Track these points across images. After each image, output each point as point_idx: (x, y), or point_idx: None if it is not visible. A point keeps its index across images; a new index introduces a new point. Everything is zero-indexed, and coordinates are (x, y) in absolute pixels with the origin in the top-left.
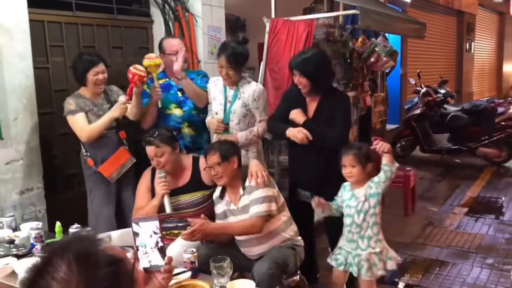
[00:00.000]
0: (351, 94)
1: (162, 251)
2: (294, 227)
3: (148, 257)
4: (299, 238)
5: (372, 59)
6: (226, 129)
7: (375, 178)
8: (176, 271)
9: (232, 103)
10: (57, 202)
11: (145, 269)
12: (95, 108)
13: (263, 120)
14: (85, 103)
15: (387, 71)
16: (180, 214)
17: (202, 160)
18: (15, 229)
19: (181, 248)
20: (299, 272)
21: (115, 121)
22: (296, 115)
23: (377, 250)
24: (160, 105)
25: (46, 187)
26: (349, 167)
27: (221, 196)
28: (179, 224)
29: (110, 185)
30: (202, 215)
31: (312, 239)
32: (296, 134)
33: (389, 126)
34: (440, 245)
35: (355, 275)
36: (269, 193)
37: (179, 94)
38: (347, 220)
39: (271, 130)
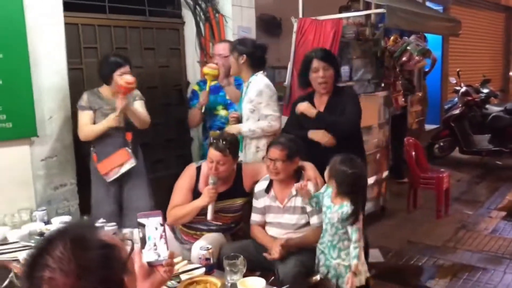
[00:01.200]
0: (382, 93)
1: (166, 244)
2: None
3: (153, 250)
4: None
5: (404, 58)
6: (239, 120)
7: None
8: (190, 267)
9: (242, 99)
10: (90, 198)
11: (149, 263)
12: (107, 107)
13: (271, 115)
14: (97, 102)
15: (426, 69)
16: (216, 219)
17: (245, 167)
18: (47, 222)
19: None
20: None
21: (122, 122)
22: (305, 107)
23: (345, 264)
24: (203, 110)
25: (79, 183)
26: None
27: (267, 190)
28: (212, 227)
29: (111, 184)
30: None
31: None
32: (322, 136)
33: (429, 127)
34: (472, 249)
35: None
36: None
37: (227, 96)
38: (323, 225)
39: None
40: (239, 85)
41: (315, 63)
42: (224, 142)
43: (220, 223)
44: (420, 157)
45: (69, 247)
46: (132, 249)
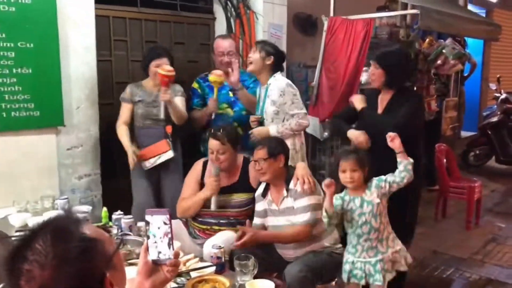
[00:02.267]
0: None
1: (170, 243)
2: (335, 235)
3: (157, 248)
4: (339, 246)
5: (439, 62)
6: (261, 122)
7: (388, 177)
8: (200, 264)
9: (264, 102)
10: (113, 188)
11: (153, 261)
12: (149, 99)
13: (297, 114)
14: (139, 94)
15: (466, 74)
16: (223, 213)
17: (252, 163)
18: None
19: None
20: (336, 279)
21: (162, 115)
22: (356, 99)
23: (397, 247)
24: (213, 117)
25: (104, 173)
26: (349, 172)
27: (264, 194)
28: (221, 221)
29: (151, 175)
30: (247, 221)
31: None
32: (358, 136)
33: (465, 133)
34: (500, 264)
35: (379, 283)
36: (315, 200)
37: (231, 94)
38: (363, 229)
39: (332, 127)
40: (246, 88)
41: (371, 63)
42: (222, 131)
43: (231, 218)
44: (452, 164)
45: (49, 239)
46: (120, 244)
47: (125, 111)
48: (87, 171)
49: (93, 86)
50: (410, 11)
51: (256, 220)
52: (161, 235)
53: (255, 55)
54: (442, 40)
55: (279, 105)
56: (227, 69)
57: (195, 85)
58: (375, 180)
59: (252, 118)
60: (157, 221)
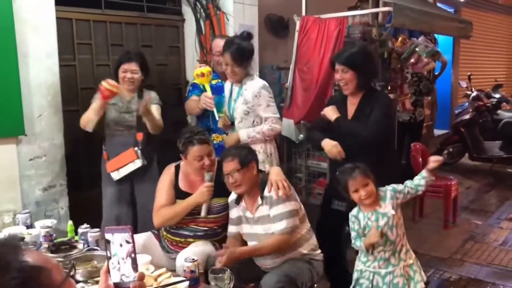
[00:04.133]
0: None
1: (134, 263)
2: (313, 241)
3: (120, 270)
4: (318, 252)
5: (412, 60)
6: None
7: (406, 188)
8: (173, 279)
9: (235, 101)
10: (81, 200)
11: (115, 284)
12: (120, 104)
13: (270, 117)
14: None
15: (436, 73)
16: (203, 220)
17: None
18: (30, 226)
19: (193, 254)
20: (315, 286)
21: (135, 122)
22: (328, 111)
23: (410, 261)
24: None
25: (70, 184)
26: (362, 188)
27: (237, 201)
28: (198, 233)
29: (123, 185)
30: (223, 244)
31: (341, 249)
32: (331, 148)
33: (438, 132)
34: (480, 262)
35: None
36: (292, 207)
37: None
38: (379, 241)
39: (308, 138)
40: (218, 88)
41: (336, 65)
42: (200, 135)
43: (206, 228)
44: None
45: None
46: (71, 270)
47: (92, 107)
48: (52, 182)
49: (56, 92)
50: (383, 8)
51: (231, 228)
52: (123, 255)
53: (237, 69)
54: (414, 38)
55: (251, 106)
56: (223, 69)
57: (196, 81)
58: (389, 191)
59: (224, 120)
60: (118, 240)
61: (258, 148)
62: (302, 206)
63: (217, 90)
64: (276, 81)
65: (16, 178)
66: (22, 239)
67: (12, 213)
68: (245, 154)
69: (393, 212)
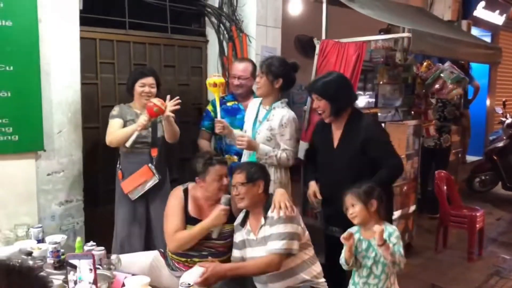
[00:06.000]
0: (411, 122)
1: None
2: (317, 267)
3: None
4: (322, 280)
5: (437, 86)
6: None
7: (393, 239)
8: None
9: (261, 124)
10: (97, 215)
11: None
12: (137, 120)
13: (288, 150)
14: (128, 112)
15: (470, 98)
16: (208, 244)
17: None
18: (42, 240)
19: (197, 276)
20: None
21: (150, 138)
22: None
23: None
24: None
25: (87, 200)
26: (350, 207)
27: (243, 223)
28: (203, 253)
29: (137, 203)
30: (209, 258)
31: (344, 275)
32: (310, 194)
33: (471, 158)
34: None
35: None
36: (292, 229)
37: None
38: (363, 272)
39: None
40: (234, 110)
41: (312, 94)
42: (218, 157)
43: (212, 250)
44: (453, 192)
45: None
46: None
47: (117, 125)
48: (69, 197)
49: (76, 109)
50: (402, 34)
51: (235, 252)
52: (90, 280)
53: (261, 80)
54: (440, 64)
55: (275, 133)
56: (237, 91)
57: (209, 107)
58: (388, 230)
59: (218, 124)
60: (85, 265)
61: (274, 178)
62: (307, 232)
63: (232, 112)
64: (303, 102)
65: (33, 192)
66: (30, 253)
67: (26, 226)
68: (254, 171)
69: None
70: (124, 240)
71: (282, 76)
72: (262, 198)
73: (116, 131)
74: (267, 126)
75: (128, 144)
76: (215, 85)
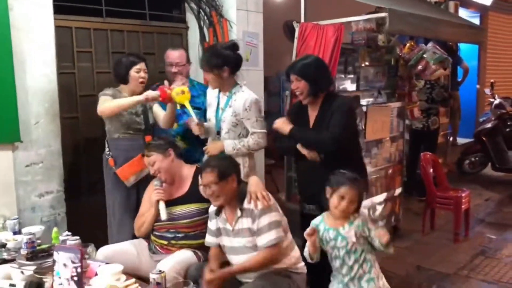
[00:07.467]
0: (395, 105)
1: (79, 285)
2: (295, 253)
3: None
4: (300, 265)
5: (420, 67)
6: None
7: (370, 226)
8: None
9: (223, 111)
10: (79, 206)
11: None
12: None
13: (257, 132)
14: (119, 96)
15: (459, 80)
16: (173, 225)
17: (201, 188)
18: (18, 232)
19: (174, 263)
20: None
21: (143, 124)
22: (280, 124)
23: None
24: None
25: (69, 190)
26: (347, 202)
27: (217, 212)
28: (177, 235)
29: (130, 190)
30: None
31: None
32: (307, 154)
33: (462, 140)
34: (487, 279)
35: None
36: (274, 218)
37: (178, 107)
38: (336, 263)
39: (280, 149)
40: (199, 95)
41: (291, 75)
42: (147, 147)
43: (187, 231)
44: (439, 174)
45: None
46: None
47: (109, 99)
48: (49, 188)
49: (53, 99)
50: (377, 14)
51: (209, 239)
52: (67, 275)
53: (209, 76)
54: (422, 45)
55: (240, 118)
56: (173, 79)
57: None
58: (359, 220)
59: (196, 123)
60: (62, 259)
61: (242, 162)
62: (285, 217)
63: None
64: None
65: (11, 184)
66: (4, 245)
67: (2, 218)
68: (226, 167)
69: (354, 240)
70: (117, 228)
71: (225, 64)
72: (236, 190)
73: (113, 101)
74: (230, 112)
75: (109, 115)
76: (182, 92)
